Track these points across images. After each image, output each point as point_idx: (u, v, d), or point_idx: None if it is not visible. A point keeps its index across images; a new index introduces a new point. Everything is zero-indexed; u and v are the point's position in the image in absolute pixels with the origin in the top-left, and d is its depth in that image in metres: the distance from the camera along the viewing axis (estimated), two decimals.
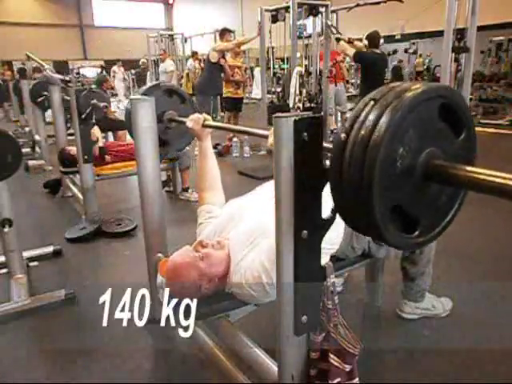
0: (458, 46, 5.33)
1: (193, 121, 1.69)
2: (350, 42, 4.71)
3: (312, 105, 5.53)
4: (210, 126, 1.71)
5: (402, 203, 0.78)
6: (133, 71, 13.56)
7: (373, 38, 4.63)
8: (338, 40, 4.79)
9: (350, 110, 10.30)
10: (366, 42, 4.62)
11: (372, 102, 0.75)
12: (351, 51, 4.53)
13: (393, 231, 0.78)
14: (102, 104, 2.89)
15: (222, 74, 5.74)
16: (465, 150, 0.82)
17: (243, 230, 1.47)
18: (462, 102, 0.80)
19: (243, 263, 1.36)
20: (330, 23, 5.22)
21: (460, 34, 5.32)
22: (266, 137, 1.24)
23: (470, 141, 0.83)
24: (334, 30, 5.09)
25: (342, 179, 0.77)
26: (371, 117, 0.73)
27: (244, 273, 1.33)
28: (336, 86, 6.61)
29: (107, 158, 3.56)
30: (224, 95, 6.18)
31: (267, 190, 1.61)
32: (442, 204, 0.85)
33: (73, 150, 3.50)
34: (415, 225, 0.82)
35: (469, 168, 0.72)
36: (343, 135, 0.76)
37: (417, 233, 0.82)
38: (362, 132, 0.73)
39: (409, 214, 0.80)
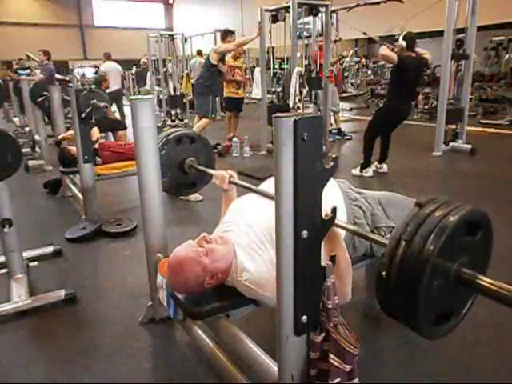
0: (458, 54, 5.31)
1: (218, 179, 1.78)
2: (392, 49, 4.54)
3: (312, 75, 5.67)
4: (236, 184, 1.79)
5: (441, 311, 0.98)
6: (133, 71, 13.58)
7: (411, 40, 4.31)
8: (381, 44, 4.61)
9: (350, 110, 10.32)
10: (403, 44, 4.27)
11: (404, 243, 0.91)
12: (394, 56, 4.25)
13: (432, 328, 1.00)
14: (101, 104, 2.89)
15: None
16: (482, 245, 1.03)
17: (248, 228, 1.47)
18: (482, 214, 1.00)
19: (254, 264, 1.37)
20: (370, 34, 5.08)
21: (459, 40, 5.33)
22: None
23: (486, 238, 1.03)
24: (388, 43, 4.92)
25: (389, 306, 0.98)
26: (409, 257, 0.89)
27: (255, 275, 1.34)
28: (336, 86, 6.62)
29: (98, 160, 3.54)
30: (225, 95, 6.18)
31: (270, 187, 1.62)
32: (466, 295, 1.04)
33: (73, 149, 3.50)
34: (450, 316, 1.01)
35: (488, 279, 0.91)
36: (384, 273, 0.92)
37: (450, 321, 1.02)
38: (405, 270, 0.90)
39: (446, 313, 1.00)
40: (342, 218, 1.49)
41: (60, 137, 4.00)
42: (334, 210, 1.01)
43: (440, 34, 5.29)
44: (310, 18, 5.68)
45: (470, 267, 0.95)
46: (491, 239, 1.04)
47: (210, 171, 1.95)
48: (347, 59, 12.02)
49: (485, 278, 0.91)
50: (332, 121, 6.82)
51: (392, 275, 0.91)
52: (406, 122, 4.46)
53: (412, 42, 4.32)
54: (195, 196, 3.69)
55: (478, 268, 0.98)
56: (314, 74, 5.67)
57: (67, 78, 7.49)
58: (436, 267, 0.88)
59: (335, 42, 6.37)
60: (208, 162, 2.23)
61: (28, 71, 8.48)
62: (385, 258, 0.93)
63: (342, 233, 1.55)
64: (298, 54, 5.66)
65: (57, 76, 7.41)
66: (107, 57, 8.04)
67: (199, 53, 9.75)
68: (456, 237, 0.92)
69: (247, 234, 1.46)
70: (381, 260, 0.95)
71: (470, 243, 0.98)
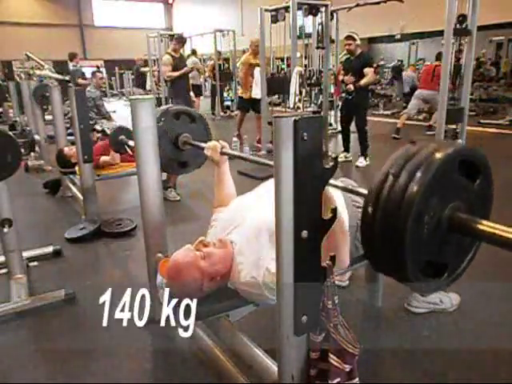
0: (460, 29, 5.34)
1: (210, 149, 1.72)
2: None
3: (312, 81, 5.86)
4: (228, 154, 1.74)
5: (431, 258, 0.87)
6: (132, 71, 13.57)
7: None
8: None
9: None
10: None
11: (391, 177, 0.82)
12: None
13: (423, 279, 0.88)
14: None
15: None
16: (482, 193, 0.92)
17: (247, 228, 1.47)
18: (479, 154, 0.89)
19: (249, 263, 1.36)
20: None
21: (462, 16, 5.35)
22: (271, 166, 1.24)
23: (486, 184, 0.93)
24: None
25: (374, 248, 0.86)
26: (398, 188, 0.80)
27: (251, 273, 1.34)
28: (335, 85, 6.63)
29: None
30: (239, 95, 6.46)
31: (270, 188, 1.61)
32: (465, 245, 0.93)
33: (72, 149, 3.51)
34: (444, 270, 0.91)
35: (489, 223, 0.81)
36: (370, 209, 0.83)
37: (445, 275, 0.91)
38: (390, 205, 0.80)
39: (438, 263, 0.89)
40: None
41: None
42: (334, 210, 1.01)
43: (440, 33, 5.29)
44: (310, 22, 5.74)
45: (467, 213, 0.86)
46: (491, 185, 0.94)
47: (203, 145, 1.83)
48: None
49: (484, 221, 0.81)
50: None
51: (378, 211, 0.82)
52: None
53: None
54: (173, 195, 3.71)
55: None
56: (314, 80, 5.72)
57: (67, 78, 7.51)
58: (423, 207, 0.80)
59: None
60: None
61: None
62: (371, 192, 0.84)
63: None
64: (298, 54, 5.67)
65: (56, 76, 7.46)
66: None
67: (194, 52, 9.76)
68: (447, 175, 0.83)
69: (246, 235, 1.45)
70: (367, 196, 0.87)
71: (467, 187, 0.88)
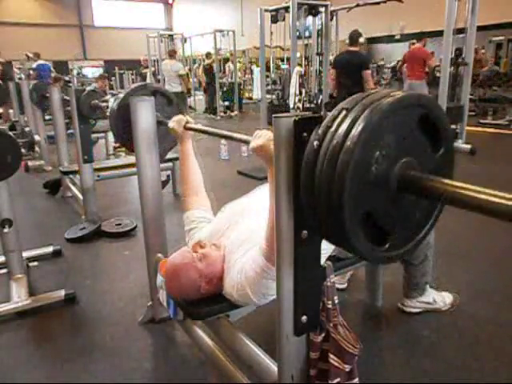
0: (457, 62, 5.47)
1: (174, 122, 1.66)
2: None
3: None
4: (192, 129, 1.66)
5: (373, 211, 0.76)
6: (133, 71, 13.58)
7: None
8: None
9: None
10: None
11: (344, 112, 0.73)
12: None
13: (363, 241, 0.76)
14: (103, 104, 2.90)
15: None
16: (443, 166, 0.81)
17: (237, 234, 1.47)
18: (443, 115, 0.79)
19: (233, 269, 1.36)
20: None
21: (458, 50, 5.48)
22: (247, 142, 1.21)
23: (448, 157, 0.82)
24: None
25: (313, 185, 0.76)
26: (348, 120, 0.71)
27: (232, 279, 1.34)
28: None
29: None
30: None
31: (264, 193, 1.60)
32: (415, 219, 0.83)
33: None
34: (386, 237, 0.80)
35: (446, 181, 0.70)
36: (316, 142, 0.75)
37: (387, 246, 0.80)
38: (337, 136, 0.71)
39: (380, 225, 0.78)
40: None
41: None
42: None
43: (440, 33, 5.29)
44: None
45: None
46: (452, 153, 0.83)
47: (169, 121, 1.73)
48: None
49: (444, 180, 0.70)
50: None
51: (322, 150, 0.74)
52: None
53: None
54: None
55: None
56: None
57: (66, 78, 7.54)
58: (370, 148, 0.70)
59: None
60: None
61: None
62: (320, 127, 0.77)
63: None
64: (298, 54, 5.67)
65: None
66: None
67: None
68: (402, 120, 0.73)
69: (235, 245, 1.44)
70: (315, 133, 0.79)
71: (428, 151, 0.79)
